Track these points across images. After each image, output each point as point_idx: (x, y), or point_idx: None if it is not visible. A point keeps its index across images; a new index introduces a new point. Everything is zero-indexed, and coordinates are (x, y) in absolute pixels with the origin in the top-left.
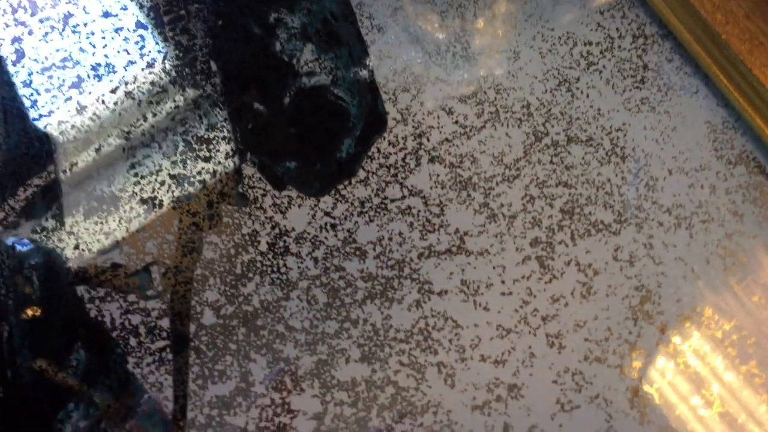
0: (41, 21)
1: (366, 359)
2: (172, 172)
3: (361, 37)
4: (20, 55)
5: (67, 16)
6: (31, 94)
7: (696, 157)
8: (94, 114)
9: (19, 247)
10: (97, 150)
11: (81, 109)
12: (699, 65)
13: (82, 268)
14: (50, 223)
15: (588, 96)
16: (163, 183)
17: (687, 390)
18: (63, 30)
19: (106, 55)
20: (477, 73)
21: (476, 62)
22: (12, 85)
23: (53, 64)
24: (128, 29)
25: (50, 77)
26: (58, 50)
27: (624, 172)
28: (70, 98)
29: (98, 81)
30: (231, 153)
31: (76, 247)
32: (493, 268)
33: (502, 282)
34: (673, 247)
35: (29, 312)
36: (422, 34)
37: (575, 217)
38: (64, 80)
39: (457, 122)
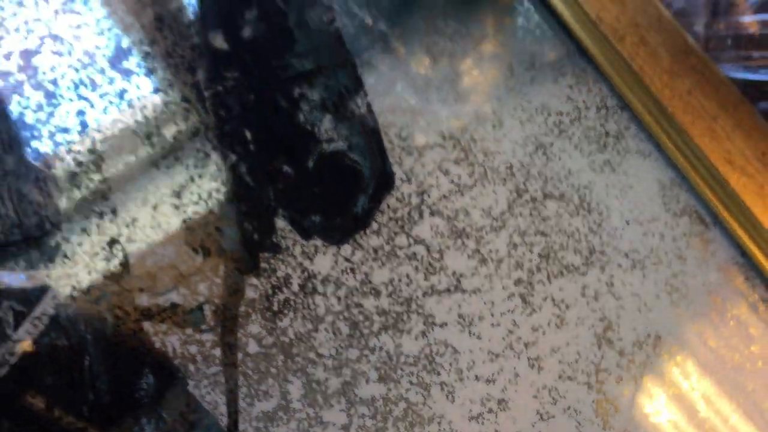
0: (101, 96)
1: (382, 380)
2: (217, 225)
3: (372, 109)
4: (84, 125)
5: (122, 92)
6: (97, 160)
7: (648, 210)
8: (151, 177)
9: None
10: (154, 207)
11: (139, 173)
12: (651, 133)
13: (148, 308)
14: (118, 270)
15: (560, 158)
16: (209, 234)
17: (641, 400)
18: (120, 104)
19: (158, 126)
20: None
21: (466, 99)
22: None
23: (113, 133)
24: (174, 103)
25: (112, 144)
26: (114, 121)
27: (590, 222)
28: (129, 162)
29: (152, 148)
30: (266, 208)
31: (141, 290)
32: (484, 303)
33: (492, 315)
34: (630, 285)
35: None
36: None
37: (550, 261)
38: (129, 150)
39: (452, 182)
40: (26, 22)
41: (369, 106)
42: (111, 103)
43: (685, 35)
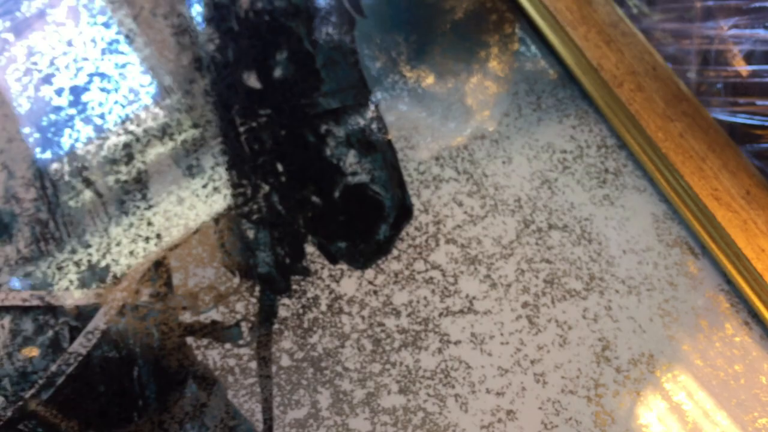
0: (145, 131)
1: (402, 391)
2: (252, 250)
3: (392, 145)
4: (130, 157)
5: (165, 126)
6: (142, 189)
7: (643, 241)
8: (191, 204)
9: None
10: (195, 233)
11: (180, 201)
12: (646, 170)
13: (191, 325)
14: (163, 290)
15: (564, 193)
16: (246, 258)
17: (635, 412)
18: (162, 138)
19: (197, 158)
20: (469, 126)
21: (470, 115)
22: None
23: (157, 165)
24: (212, 138)
25: (156, 174)
26: (158, 154)
27: (590, 251)
28: (171, 191)
29: (192, 179)
30: (297, 234)
31: (184, 308)
32: (494, 324)
33: (501, 334)
34: (626, 309)
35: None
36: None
37: (554, 286)
38: (171, 180)
39: (466, 212)
40: (75, 61)
41: (390, 142)
42: (154, 137)
43: (678, 82)
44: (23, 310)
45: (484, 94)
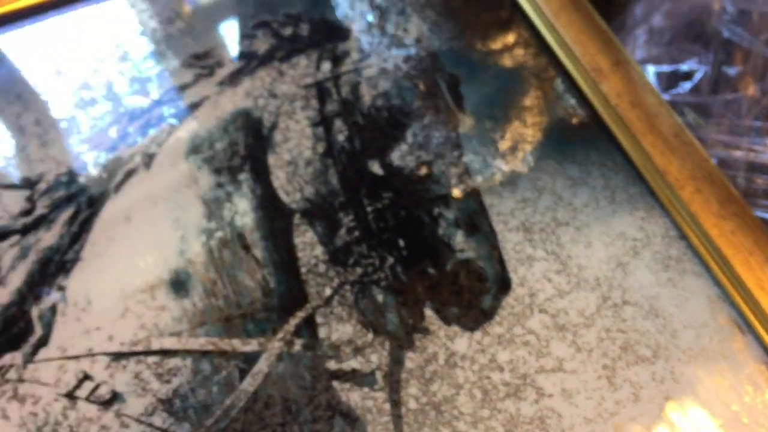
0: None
1: None
2: (382, 311)
3: (492, 227)
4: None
5: (305, 204)
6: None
7: (700, 318)
8: (332, 272)
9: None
10: (334, 294)
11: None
12: (702, 259)
13: (335, 371)
14: (311, 342)
15: (635, 274)
16: (377, 318)
17: None
18: (304, 216)
19: (332, 234)
20: (557, 214)
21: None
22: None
23: (303, 240)
24: (345, 215)
25: (305, 247)
26: (300, 227)
27: (657, 325)
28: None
29: (330, 247)
30: (417, 300)
31: (329, 357)
32: (580, 381)
33: (586, 390)
34: (686, 374)
35: None
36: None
37: (628, 352)
38: (310, 252)
39: (554, 287)
40: (230, 145)
41: (491, 225)
42: (297, 211)
43: (730, 187)
44: (201, 354)
45: (568, 188)
